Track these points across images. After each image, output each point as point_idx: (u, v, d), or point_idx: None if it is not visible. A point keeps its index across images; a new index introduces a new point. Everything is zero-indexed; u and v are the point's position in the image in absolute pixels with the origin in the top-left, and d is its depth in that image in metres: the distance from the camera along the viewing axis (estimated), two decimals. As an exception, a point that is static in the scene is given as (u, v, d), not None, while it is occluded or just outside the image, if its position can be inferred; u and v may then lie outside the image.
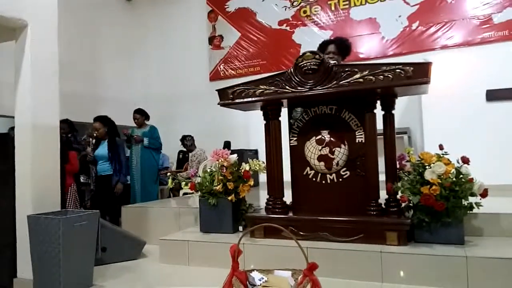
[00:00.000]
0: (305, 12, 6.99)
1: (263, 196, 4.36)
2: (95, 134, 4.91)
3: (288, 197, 3.21)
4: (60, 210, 2.91)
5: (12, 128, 3.03)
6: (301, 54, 2.89)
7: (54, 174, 2.98)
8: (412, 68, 2.52)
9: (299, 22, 7.03)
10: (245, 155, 5.90)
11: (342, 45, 3.54)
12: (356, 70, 2.67)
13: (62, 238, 2.48)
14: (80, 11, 6.92)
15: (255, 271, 2.12)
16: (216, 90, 3.20)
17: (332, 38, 3.76)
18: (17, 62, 2.92)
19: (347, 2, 6.66)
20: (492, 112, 5.03)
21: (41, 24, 2.97)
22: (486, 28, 5.76)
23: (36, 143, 2.86)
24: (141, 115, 5.67)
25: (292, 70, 2.87)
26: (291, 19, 7.10)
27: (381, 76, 2.60)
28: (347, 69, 2.71)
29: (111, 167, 4.81)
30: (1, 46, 3.37)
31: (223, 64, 7.70)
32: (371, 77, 2.62)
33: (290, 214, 3.10)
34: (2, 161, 2.96)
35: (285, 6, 7.15)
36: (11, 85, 2.99)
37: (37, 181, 2.85)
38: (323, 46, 3.53)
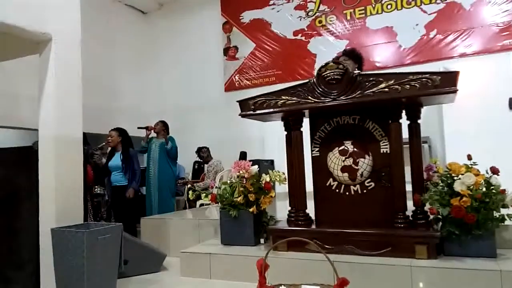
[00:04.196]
0: (320, 22, 6.98)
1: (280, 206, 4.32)
2: (109, 140, 4.97)
3: (309, 209, 3.15)
4: (82, 223, 2.90)
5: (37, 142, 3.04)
6: (324, 64, 2.86)
7: (77, 187, 2.98)
8: (439, 77, 2.47)
9: (315, 32, 7.02)
10: (261, 165, 5.82)
11: (352, 54, 3.56)
12: (381, 79, 2.63)
13: (86, 251, 2.47)
14: (96, 24, 7.01)
15: (282, 286, 2.07)
16: (237, 101, 3.18)
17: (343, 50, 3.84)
18: (41, 76, 2.94)
19: (363, 11, 6.64)
20: (516, 120, 4.93)
21: (64, 37, 2.99)
22: (506, 35, 5.67)
23: (59, 156, 2.86)
24: (162, 124, 5.71)
25: (315, 80, 2.84)
26: (306, 29, 7.10)
27: (408, 86, 2.55)
28: (371, 79, 2.67)
29: (125, 178, 4.83)
30: (21, 60, 3.41)
31: (238, 75, 7.71)
32: (397, 86, 2.58)
33: (313, 226, 3.05)
34: (26, 174, 2.97)
35: (300, 16, 7.16)
36: (30, 98, 3.00)
37: (61, 194, 2.84)
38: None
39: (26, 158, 3.01)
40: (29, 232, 2.92)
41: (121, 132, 5.02)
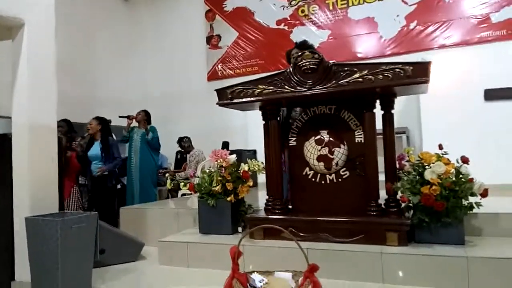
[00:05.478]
0: (303, 11, 6.98)
1: (262, 196, 4.34)
2: (88, 128, 4.98)
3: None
4: (58, 212, 2.88)
5: None
6: (300, 53, 2.87)
7: (52, 175, 2.95)
8: (411, 68, 2.51)
9: (297, 22, 7.03)
10: (243, 155, 5.85)
11: (304, 47, 3.57)
12: (355, 69, 2.66)
13: (60, 240, 2.46)
14: (76, 10, 6.88)
15: (255, 272, 2.10)
16: (215, 90, 3.18)
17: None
18: (14, 62, 2.89)
19: (345, 2, 6.65)
20: (490, 111, 5.04)
21: (38, 23, 2.93)
22: (484, 27, 5.76)
23: (33, 144, 2.83)
24: (144, 113, 5.67)
25: (291, 69, 2.85)
26: (289, 19, 7.09)
27: (381, 76, 2.59)
28: (346, 69, 2.70)
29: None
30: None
31: (221, 64, 7.68)
32: (370, 76, 2.61)
33: (290, 215, 3.09)
34: (1, 162, 2.92)
35: (283, 6, 7.14)
36: (7, 85, 2.95)
37: (35, 182, 2.81)
38: (288, 53, 3.61)
39: (1, 146, 2.97)
40: (4, 220, 2.89)
41: (101, 121, 4.98)
